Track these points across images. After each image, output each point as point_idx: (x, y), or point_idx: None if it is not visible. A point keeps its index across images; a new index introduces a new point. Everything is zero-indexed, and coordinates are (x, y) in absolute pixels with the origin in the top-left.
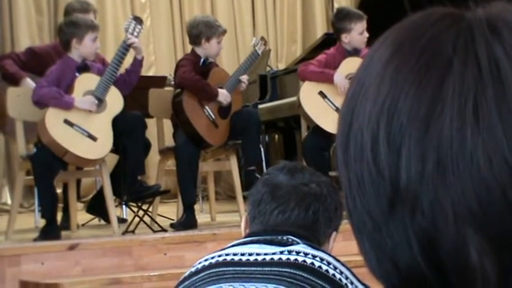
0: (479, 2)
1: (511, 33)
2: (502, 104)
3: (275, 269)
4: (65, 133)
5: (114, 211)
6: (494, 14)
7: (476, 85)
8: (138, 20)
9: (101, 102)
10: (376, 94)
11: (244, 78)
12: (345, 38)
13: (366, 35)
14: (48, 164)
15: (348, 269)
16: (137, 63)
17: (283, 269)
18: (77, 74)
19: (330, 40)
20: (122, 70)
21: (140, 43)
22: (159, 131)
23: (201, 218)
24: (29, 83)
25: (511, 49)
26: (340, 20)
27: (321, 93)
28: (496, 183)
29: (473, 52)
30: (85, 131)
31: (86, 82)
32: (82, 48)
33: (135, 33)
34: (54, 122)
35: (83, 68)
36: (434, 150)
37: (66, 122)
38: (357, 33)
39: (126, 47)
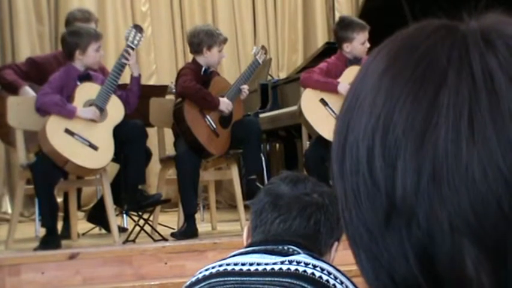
0: (473, 13)
1: (505, 44)
2: (496, 116)
3: (275, 279)
4: (65, 142)
5: (114, 220)
6: (488, 26)
7: (471, 97)
8: (138, 29)
9: (101, 111)
10: (372, 106)
11: (245, 87)
12: (347, 47)
13: (368, 45)
14: (48, 173)
15: (348, 279)
16: (134, 81)
17: (284, 279)
18: (79, 83)
19: (331, 49)
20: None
21: (135, 60)
22: (160, 140)
23: (202, 227)
24: (28, 91)
25: (505, 60)
26: (342, 28)
27: (322, 101)
28: (491, 195)
29: (468, 64)
30: (86, 140)
31: (86, 91)
32: (86, 59)
33: (136, 41)
34: (55, 131)
35: (85, 77)
36: (429, 162)
37: (67, 131)
38: (358, 43)
39: (126, 57)
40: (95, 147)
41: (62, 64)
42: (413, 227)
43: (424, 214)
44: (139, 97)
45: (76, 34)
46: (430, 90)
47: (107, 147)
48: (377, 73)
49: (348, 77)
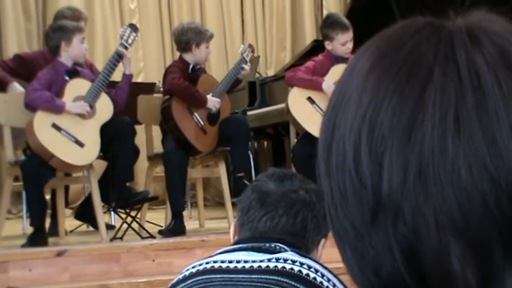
0: (459, 11)
1: (491, 42)
2: (482, 113)
3: (263, 276)
4: (52, 137)
5: (102, 217)
6: (474, 23)
7: (457, 94)
8: (133, 28)
9: (90, 108)
10: (358, 104)
11: (246, 67)
12: (328, 45)
13: (350, 46)
14: (38, 171)
15: (335, 276)
16: (126, 79)
17: (271, 277)
18: (67, 78)
19: (319, 47)
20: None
21: (130, 57)
22: (148, 138)
23: (190, 224)
24: (17, 87)
25: (491, 58)
26: (325, 26)
27: (309, 99)
28: (477, 192)
29: (454, 61)
30: (72, 136)
31: (76, 87)
32: (71, 50)
33: (130, 41)
34: (42, 126)
35: (73, 72)
36: (415, 159)
37: (54, 126)
38: (338, 43)
39: (119, 55)
40: (81, 144)
41: (49, 61)
42: (399, 224)
43: (410, 211)
44: (128, 95)
45: (60, 28)
46: (416, 88)
47: (93, 145)
48: (363, 71)
49: (333, 75)
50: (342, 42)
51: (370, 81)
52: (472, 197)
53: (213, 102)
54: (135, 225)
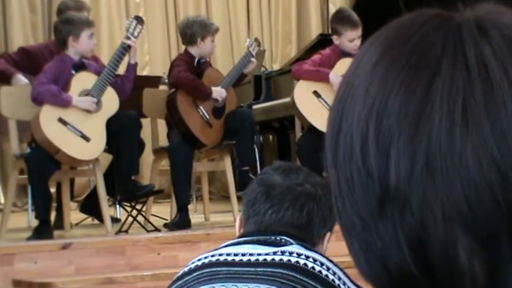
0: (467, 3)
1: (500, 34)
2: (490, 105)
3: (268, 269)
4: (58, 132)
5: (107, 211)
6: (483, 15)
7: (465, 86)
8: (139, 20)
9: (96, 102)
10: (365, 95)
11: (253, 61)
12: (336, 39)
13: (357, 43)
14: (43, 164)
15: (341, 269)
16: (131, 68)
17: (276, 270)
18: (73, 72)
19: (324, 41)
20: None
21: (136, 47)
22: (153, 131)
23: (195, 218)
24: (21, 78)
25: (499, 50)
26: (335, 21)
27: (315, 93)
28: (485, 184)
29: (462, 53)
30: (78, 131)
31: (82, 81)
32: (79, 46)
33: (136, 33)
34: (48, 120)
35: (80, 66)
36: (423, 151)
37: (61, 120)
38: (346, 39)
39: (125, 47)
40: (86, 139)
41: (54, 54)
42: (406, 216)
43: (417, 202)
44: (134, 84)
45: (69, 22)
46: (424, 80)
47: (99, 139)
48: (371, 62)
49: (340, 68)
50: (350, 39)
51: (377, 72)
52: (480, 189)
53: (218, 92)
54: (140, 218)
